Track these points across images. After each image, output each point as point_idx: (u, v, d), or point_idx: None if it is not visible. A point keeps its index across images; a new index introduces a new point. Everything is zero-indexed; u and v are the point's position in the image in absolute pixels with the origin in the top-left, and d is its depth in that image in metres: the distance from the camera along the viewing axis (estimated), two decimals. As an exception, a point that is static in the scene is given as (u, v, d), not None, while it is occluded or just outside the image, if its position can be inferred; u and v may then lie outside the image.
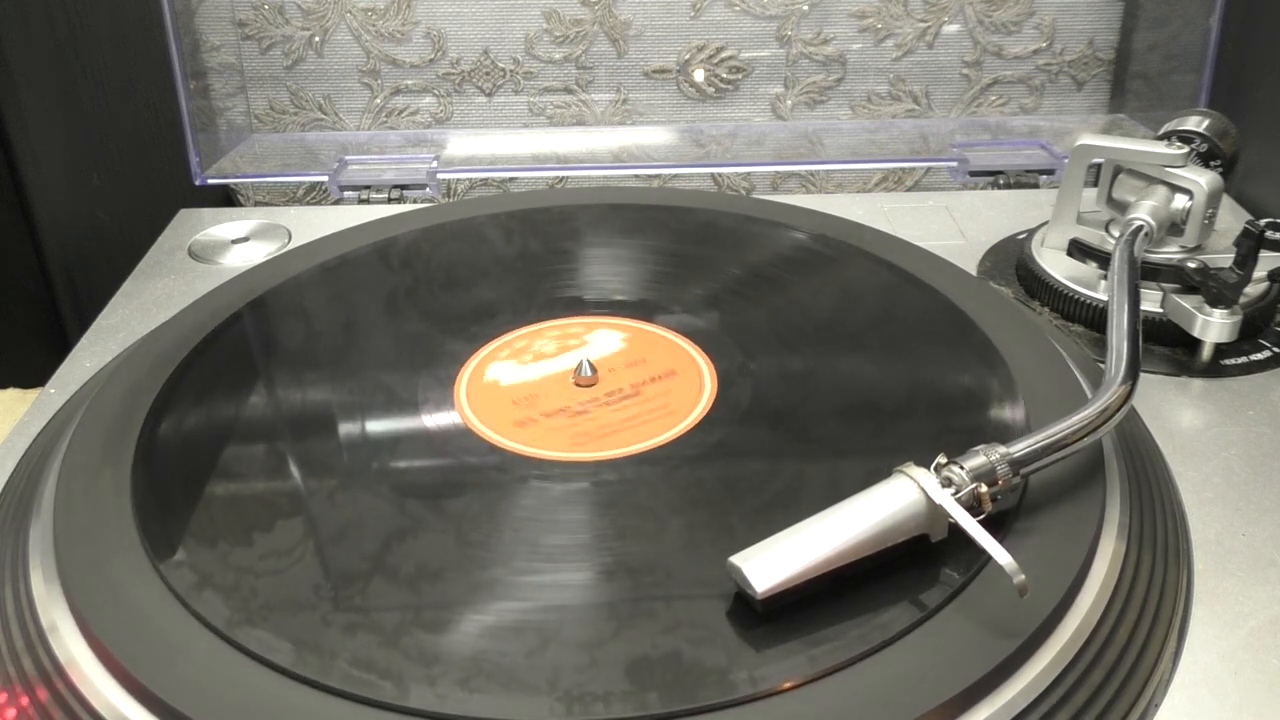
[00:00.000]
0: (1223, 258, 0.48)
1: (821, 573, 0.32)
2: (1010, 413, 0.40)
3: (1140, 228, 0.48)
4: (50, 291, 0.69)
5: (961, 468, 0.33)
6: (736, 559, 0.32)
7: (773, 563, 0.32)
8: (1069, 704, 0.31)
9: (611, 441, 0.40)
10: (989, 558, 0.31)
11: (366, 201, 0.66)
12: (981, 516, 0.33)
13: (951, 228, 0.61)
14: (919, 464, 0.33)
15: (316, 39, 0.72)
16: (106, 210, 0.71)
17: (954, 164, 0.69)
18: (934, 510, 0.33)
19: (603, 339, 0.47)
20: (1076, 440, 0.36)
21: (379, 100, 0.73)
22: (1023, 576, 0.30)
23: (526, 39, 0.72)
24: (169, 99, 0.66)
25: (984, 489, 0.33)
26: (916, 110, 0.75)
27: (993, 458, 0.34)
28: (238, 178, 0.70)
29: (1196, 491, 0.40)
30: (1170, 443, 0.43)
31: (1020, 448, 0.34)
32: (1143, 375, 0.46)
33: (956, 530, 0.32)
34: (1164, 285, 0.49)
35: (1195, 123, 0.53)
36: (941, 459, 0.34)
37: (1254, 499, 0.40)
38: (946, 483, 0.33)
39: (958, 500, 0.33)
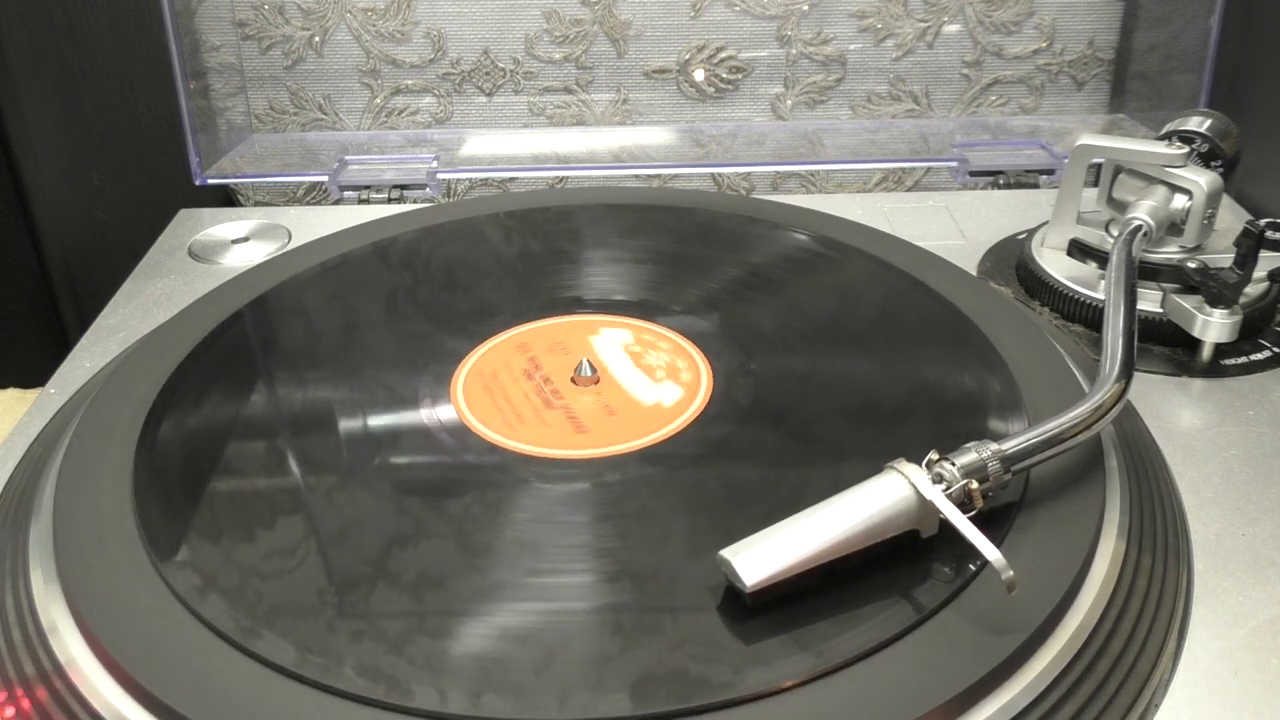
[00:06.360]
0: (1223, 258, 0.47)
1: (811, 567, 0.32)
2: (1010, 413, 0.40)
3: (1138, 228, 0.48)
4: (50, 291, 0.69)
5: (953, 464, 0.33)
6: (726, 552, 0.32)
7: (762, 557, 0.32)
8: (1069, 704, 0.31)
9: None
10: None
11: (366, 201, 0.66)
12: (973, 513, 0.33)
13: (951, 228, 0.61)
14: (911, 460, 0.33)
15: (316, 39, 0.72)
16: (106, 210, 0.71)
17: (954, 164, 0.69)
18: (924, 506, 0.33)
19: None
20: (1069, 437, 0.36)
21: (379, 100, 0.73)
22: (1011, 573, 0.30)
23: (526, 39, 0.72)
24: (169, 99, 0.66)
25: (975, 485, 0.33)
26: (916, 110, 0.75)
27: (984, 454, 0.34)
28: (238, 178, 0.70)
29: (1196, 491, 0.40)
30: (1170, 443, 0.43)
31: (1012, 444, 0.34)
32: (1143, 375, 0.46)
33: (950, 527, 0.32)
34: (1164, 285, 0.49)
35: (1197, 123, 0.53)
36: (933, 455, 0.34)
37: (1254, 499, 0.40)
38: (938, 479, 0.33)
39: (949, 496, 0.33)
